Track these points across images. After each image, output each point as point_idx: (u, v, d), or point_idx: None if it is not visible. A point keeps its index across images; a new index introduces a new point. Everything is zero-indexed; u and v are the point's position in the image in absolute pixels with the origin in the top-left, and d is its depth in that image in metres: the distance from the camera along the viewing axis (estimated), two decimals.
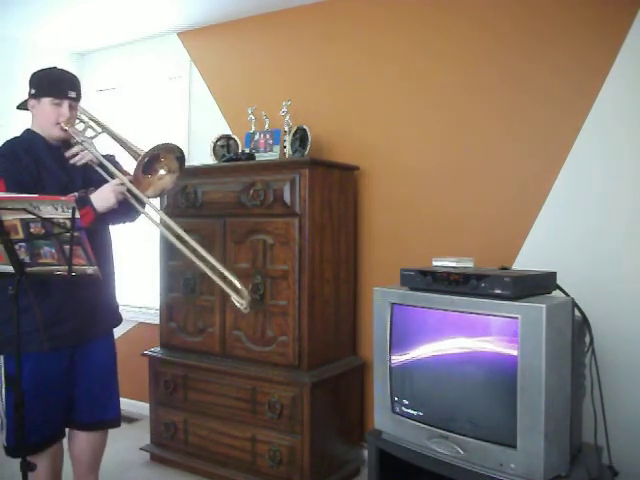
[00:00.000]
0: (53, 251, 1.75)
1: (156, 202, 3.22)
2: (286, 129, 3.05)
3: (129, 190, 2.08)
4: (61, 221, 1.70)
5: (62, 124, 2.08)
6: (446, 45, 2.90)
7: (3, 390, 2.07)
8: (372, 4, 3.12)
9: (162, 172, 2.12)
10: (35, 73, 2.14)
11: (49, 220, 1.69)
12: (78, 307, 2.12)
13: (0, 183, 1.94)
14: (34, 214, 1.67)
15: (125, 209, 2.17)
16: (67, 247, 1.73)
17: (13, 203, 1.68)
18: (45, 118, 2.09)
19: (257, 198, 2.82)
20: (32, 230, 1.72)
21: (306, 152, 2.99)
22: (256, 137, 3.15)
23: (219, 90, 3.69)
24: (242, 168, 2.95)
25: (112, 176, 2.12)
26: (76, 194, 2.01)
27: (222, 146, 3.25)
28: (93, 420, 2.27)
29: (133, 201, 2.11)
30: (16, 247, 1.75)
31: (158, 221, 2.24)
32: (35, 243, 1.74)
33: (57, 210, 1.69)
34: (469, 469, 1.98)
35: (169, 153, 2.10)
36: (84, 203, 1.98)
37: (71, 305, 2.10)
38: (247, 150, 3.13)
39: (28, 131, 2.15)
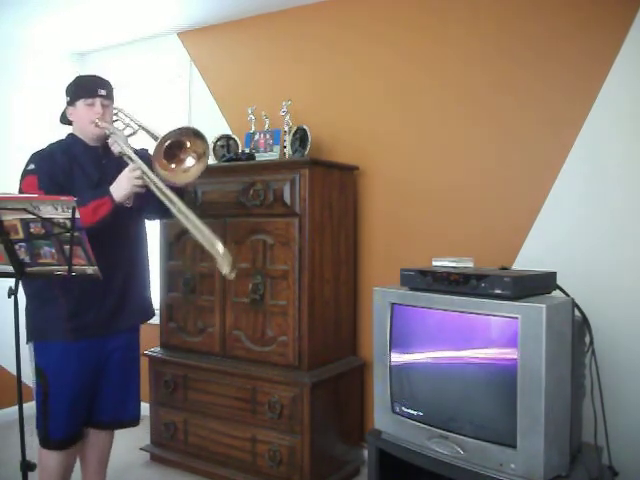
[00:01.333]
0: (53, 251, 1.75)
1: None
2: (286, 129, 3.05)
3: (149, 177, 2.07)
4: (61, 221, 1.70)
5: (96, 121, 2.17)
6: (446, 45, 2.90)
7: (34, 379, 2.15)
8: (372, 5, 3.12)
9: (190, 161, 2.16)
10: (68, 84, 2.26)
11: (49, 220, 1.69)
12: (104, 297, 2.16)
13: (33, 179, 2.06)
14: (34, 214, 1.67)
15: (158, 203, 2.19)
16: (67, 247, 1.73)
17: (13, 203, 1.68)
18: (81, 119, 2.21)
19: (257, 198, 2.82)
20: (32, 230, 1.72)
21: (306, 152, 2.99)
22: (256, 137, 3.15)
23: (219, 90, 3.69)
24: (242, 168, 2.95)
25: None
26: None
27: (222, 146, 3.25)
28: (112, 420, 2.32)
29: (153, 187, 2.09)
30: (16, 247, 1.75)
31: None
32: (35, 243, 1.74)
33: (57, 210, 1.69)
34: (469, 469, 1.98)
35: (189, 136, 2.13)
36: (103, 193, 2.05)
37: (96, 295, 2.14)
38: (247, 150, 3.13)
39: (70, 135, 2.27)
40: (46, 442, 2.13)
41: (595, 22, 2.53)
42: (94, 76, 2.29)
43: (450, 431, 2.04)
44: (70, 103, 2.23)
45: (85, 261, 1.77)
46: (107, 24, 3.68)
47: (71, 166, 2.14)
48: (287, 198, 2.75)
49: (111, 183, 2.14)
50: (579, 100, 2.57)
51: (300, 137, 3.02)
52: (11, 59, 3.85)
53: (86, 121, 2.19)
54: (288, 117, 3.06)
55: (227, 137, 3.27)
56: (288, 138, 3.00)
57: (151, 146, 2.16)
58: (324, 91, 3.27)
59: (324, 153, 3.20)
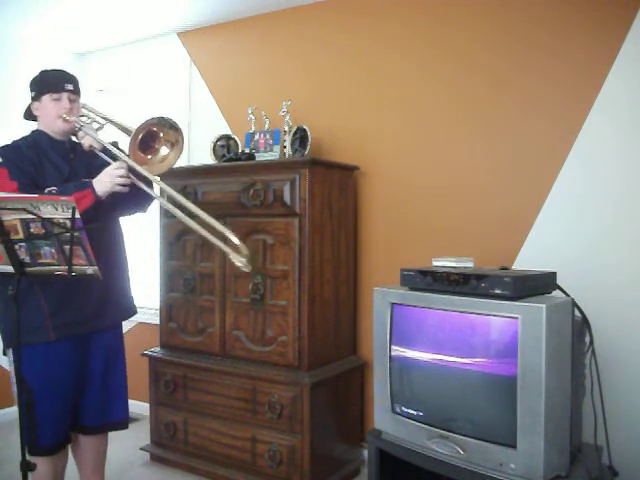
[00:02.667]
0: (53, 251, 1.75)
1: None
2: (286, 129, 3.05)
3: (133, 171, 2.07)
4: (61, 221, 1.70)
5: (64, 116, 2.14)
6: (446, 45, 2.90)
7: (16, 388, 2.09)
8: (373, 5, 3.11)
9: (164, 150, 2.14)
10: (32, 79, 2.21)
11: (49, 220, 1.69)
12: (84, 295, 2.13)
13: (3, 171, 2.02)
14: (34, 214, 1.67)
15: (133, 196, 2.18)
16: (67, 247, 1.73)
17: (13, 203, 1.68)
18: (47, 114, 2.16)
19: (257, 198, 2.82)
20: (32, 230, 1.72)
21: (306, 152, 2.99)
22: (256, 137, 3.15)
23: (219, 90, 3.69)
24: (242, 168, 2.95)
25: (115, 158, 2.14)
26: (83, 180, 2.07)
27: (222, 146, 3.25)
28: (98, 423, 2.27)
29: (136, 181, 2.08)
30: (16, 247, 1.75)
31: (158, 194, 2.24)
32: (35, 243, 1.74)
33: (57, 210, 1.69)
34: (469, 469, 1.98)
35: (163, 127, 2.11)
36: (84, 186, 2.02)
37: (76, 293, 2.11)
38: (247, 150, 3.13)
39: (35, 131, 2.22)
40: (35, 449, 2.07)
41: (595, 22, 2.53)
42: (60, 70, 2.23)
43: (450, 431, 2.04)
44: (35, 98, 2.17)
45: (85, 261, 1.77)
46: (107, 24, 3.68)
47: (40, 160, 2.10)
48: (287, 198, 2.75)
49: (80, 177, 2.13)
50: (578, 100, 2.57)
51: (300, 137, 3.02)
52: (11, 58, 3.85)
53: (53, 116, 2.14)
54: (288, 117, 3.06)
55: (227, 137, 3.27)
56: (288, 138, 3.00)
57: (119, 138, 2.15)
58: (324, 91, 3.27)
59: (324, 153, 3.20)
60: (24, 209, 1.66)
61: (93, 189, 2.02)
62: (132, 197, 2.19)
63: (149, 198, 2.25)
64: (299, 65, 3.36)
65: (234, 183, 2.93)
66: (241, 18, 3.55)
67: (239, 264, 1.99)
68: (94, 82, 4.24)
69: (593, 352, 2.09)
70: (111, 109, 4.10)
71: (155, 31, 3.82)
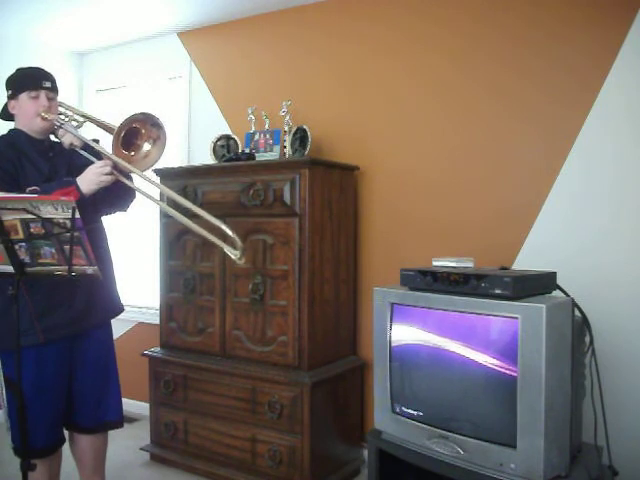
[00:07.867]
0: (53, 251, 1.75)
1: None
2: (286, 129, 3.05)
3: (116, 168, 2.04)
4: (61, 221, 1.70)
5: (42, 114, 2.10)
6: (447, 45, 2.90)
7: (4, 391, 2.07)
8: (372, 3, 3.11)
9: (146, 147, 2.10)
10: (8, 77, 2.18)
11: (49, 220, 1.69)
12: (71, 295, 2.11)
13: None
14: (34, 214, 1.67)
15: (115, 195, 2.16)
16: (67, 247, 1.73)
17: (13, 203, 1.68)
18: (25, 113, 2.12)
19: (257, 198, 2.82)
20: (32, 230, 1.72)
21: (306, 152, 2.99)
22: (256, 137, 3.15)
23: (219, 90, 3.69)
24: (242, 168, 2.95)
25: (97, 155, 2.11)
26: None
27: (222, 146, 3.25)
28: (94, 423, 2.25)
29: (122, 178, 2.06)
30: (16, 247, 1.75)
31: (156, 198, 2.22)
32: (35, 243, 1.74)
33: (57, 210, 1.69)
34: (469, 469, 1.98)
35: (145, 124, 2.08)
36: (67, 184, 1.99)
37: (63, 294, 2.09)
38: (247, 150, 3.13)
39: (12, 130, 2.19)
40: (30, 453, 1.97)
41: (593, 25, 2.53)
42: (37, 68, 2.18)
43: (450, 431, 2.04)
44: (12, 96, 2.13)
45: (85, 261, 1.77)
46: (107, 24, 3.68)
47: (19, 159, 2.07)
48: (287, 198, 2.75)
49: (61, 176, 2.10)
50: (578, 101, 2.57)
51: (300, 137, 3.02)
52: (12, 58, 3.84)
53: (32, 114, 2.10)
54: (288, 117, 3.06)
55: (227, 137, 3.28)
56: (288, 138, 3.00)
57: (99, 135, 2.12)
58: (324, 91, 3.26)
59: (324, 153, 3.20)
60: (24, 209, 1.66)
61: (77, 186, 1.99)
62: (115, 196, 2.17)
63: (131, 196, 2.24)
64: (299, 65, 3.36)
65: (234, 183, 2.93)
66: (241, 18, 3.55)
67: (233, 256, 1.97)
68: (94, 82, 4.24)
69: (593, 352, 2.09)
70: (110, 109, 4.12)
71: (155, 31, 3.81)
